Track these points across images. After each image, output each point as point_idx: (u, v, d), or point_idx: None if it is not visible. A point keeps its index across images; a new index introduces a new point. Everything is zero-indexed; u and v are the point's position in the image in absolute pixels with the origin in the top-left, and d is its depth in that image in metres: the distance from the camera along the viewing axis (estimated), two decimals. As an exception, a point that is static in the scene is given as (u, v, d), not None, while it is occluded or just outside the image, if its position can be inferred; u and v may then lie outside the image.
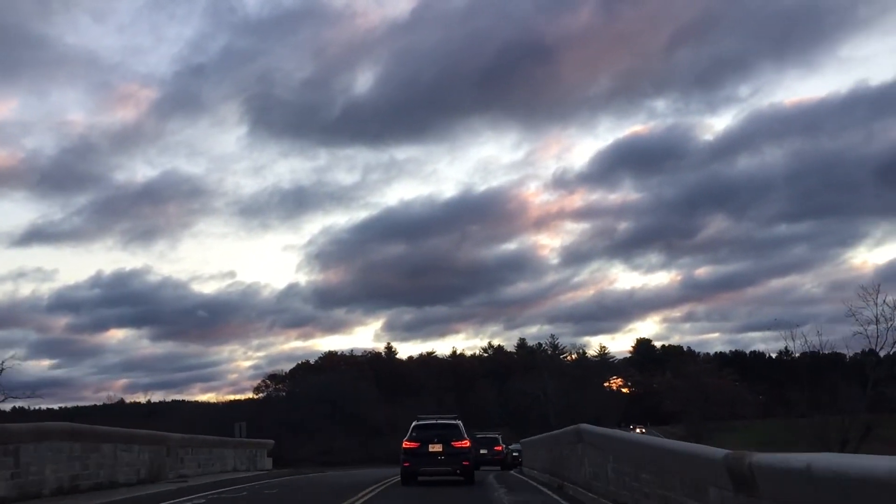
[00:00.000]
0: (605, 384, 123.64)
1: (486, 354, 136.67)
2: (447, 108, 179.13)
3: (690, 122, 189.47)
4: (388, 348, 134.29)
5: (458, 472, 23.62)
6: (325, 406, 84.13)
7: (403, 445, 23.77)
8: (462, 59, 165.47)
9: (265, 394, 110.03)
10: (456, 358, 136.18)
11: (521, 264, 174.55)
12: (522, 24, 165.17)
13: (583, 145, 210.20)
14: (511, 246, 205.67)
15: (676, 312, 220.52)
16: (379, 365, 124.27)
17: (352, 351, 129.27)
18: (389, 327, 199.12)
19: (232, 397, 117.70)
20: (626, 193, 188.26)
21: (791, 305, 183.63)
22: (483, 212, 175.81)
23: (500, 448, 41.71)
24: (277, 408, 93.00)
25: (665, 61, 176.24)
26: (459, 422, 24.79)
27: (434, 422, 24.83)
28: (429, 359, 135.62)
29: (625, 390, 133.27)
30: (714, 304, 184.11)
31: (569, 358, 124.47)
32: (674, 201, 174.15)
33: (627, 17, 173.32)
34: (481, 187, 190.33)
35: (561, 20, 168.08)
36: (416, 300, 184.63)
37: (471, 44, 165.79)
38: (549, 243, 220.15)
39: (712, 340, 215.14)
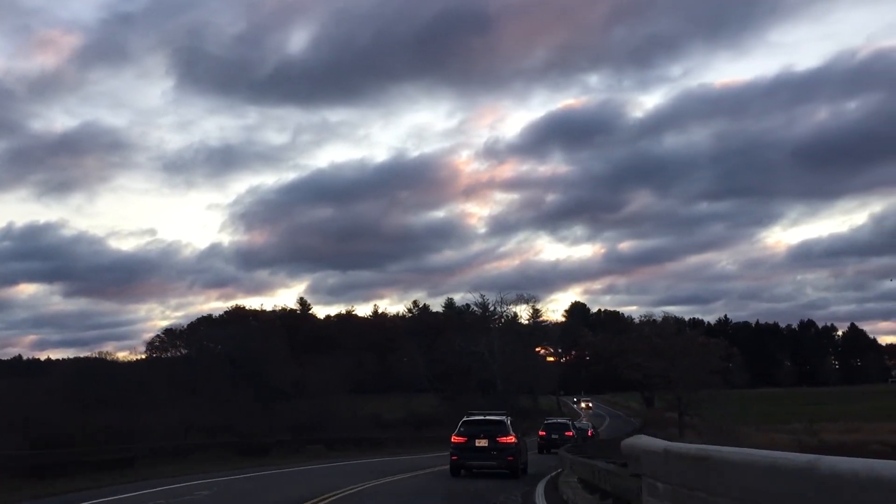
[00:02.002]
0: (538, 350, 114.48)
1: (410, 314, 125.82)
2: (382, 72, 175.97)
3: (622, 99, 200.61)
4: (303, 304, 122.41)
5: (503, 466, 23.99)
6: (224, 365, 72.28)
7: (452, 440, 24.77)
8: (399, 23, 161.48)
9: (168, 353, 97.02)
10: (378, 317, 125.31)
11: (449, 232, 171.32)
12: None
13: (516, 116, 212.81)
14: (440, 213, 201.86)
15: (598, 284, 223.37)
16: (293, 322, 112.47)
17: (262, 305, 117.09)
18: (313, 290, 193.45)
19: (135, 357, 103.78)
20: (555, 166, 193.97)
21: (707, 281, 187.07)
22: (414, 178, 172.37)
23: (570, 434, 44.48)
24: (170, 367, 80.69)
25: (601, 37, 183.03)
26: (507, 418, 25.39)
27: (482, 417, 25.57)
28: (348, 317, 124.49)
29: (550, 359, 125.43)
30: (634, 278, 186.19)
31: (497, 324, 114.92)
32: (601, 175, 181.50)
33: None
34: (413, 153, 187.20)
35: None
36: (342, 264, 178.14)
37: (409, 8, 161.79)
38: (478, 212, 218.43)
39: (632, 313, 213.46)
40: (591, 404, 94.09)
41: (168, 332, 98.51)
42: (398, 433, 54.71)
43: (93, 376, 55.45)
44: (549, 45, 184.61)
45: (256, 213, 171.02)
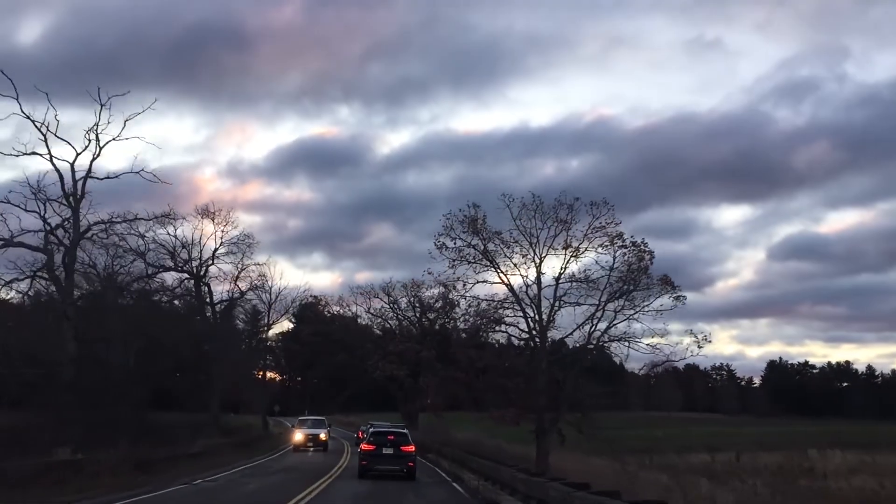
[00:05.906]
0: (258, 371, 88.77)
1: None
2: (125, 77, 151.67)
3: (372, 134, 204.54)
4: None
5: (404, 470, 29.97)
6: None
7: (362, 447, 30.96)
8: (150, 27, 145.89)
9: None
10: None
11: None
12: (222, 5, 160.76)
13: (264, 138, 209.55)
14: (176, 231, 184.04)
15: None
16: None
17: None
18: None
19: None
20: (300, 192, 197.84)
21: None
22: (151, 191, 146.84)
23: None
24: None
25: (356, 72, 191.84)
26: (407, 430, 32.83)
27: (388, 430, 32.02)
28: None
29: (272, 375, 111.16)
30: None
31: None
32: (345, 206, 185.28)
33: (328, 21, 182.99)
34: (153, 165, 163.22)
35: (262, 9, 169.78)
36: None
37: (162, 13, 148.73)
38: (217, 232, 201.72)
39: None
40: (323, 434, 53.20)
41: None
42: None
43: None
44: (304, 71, 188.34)
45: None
